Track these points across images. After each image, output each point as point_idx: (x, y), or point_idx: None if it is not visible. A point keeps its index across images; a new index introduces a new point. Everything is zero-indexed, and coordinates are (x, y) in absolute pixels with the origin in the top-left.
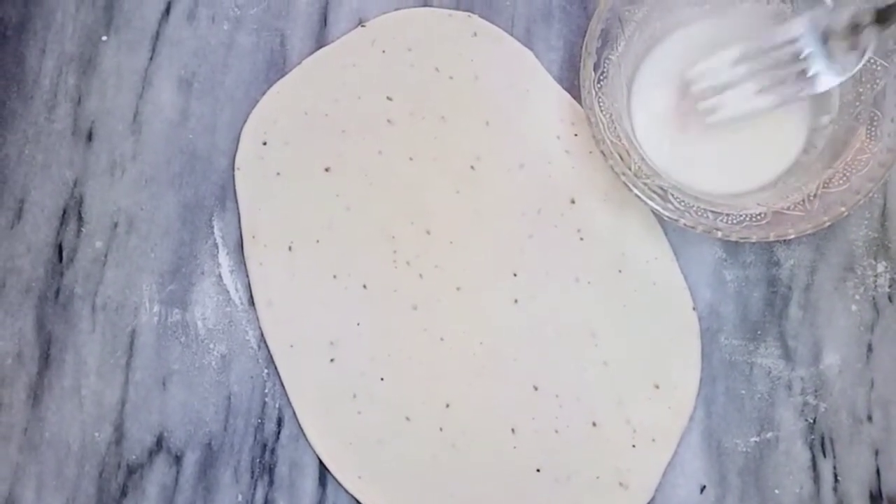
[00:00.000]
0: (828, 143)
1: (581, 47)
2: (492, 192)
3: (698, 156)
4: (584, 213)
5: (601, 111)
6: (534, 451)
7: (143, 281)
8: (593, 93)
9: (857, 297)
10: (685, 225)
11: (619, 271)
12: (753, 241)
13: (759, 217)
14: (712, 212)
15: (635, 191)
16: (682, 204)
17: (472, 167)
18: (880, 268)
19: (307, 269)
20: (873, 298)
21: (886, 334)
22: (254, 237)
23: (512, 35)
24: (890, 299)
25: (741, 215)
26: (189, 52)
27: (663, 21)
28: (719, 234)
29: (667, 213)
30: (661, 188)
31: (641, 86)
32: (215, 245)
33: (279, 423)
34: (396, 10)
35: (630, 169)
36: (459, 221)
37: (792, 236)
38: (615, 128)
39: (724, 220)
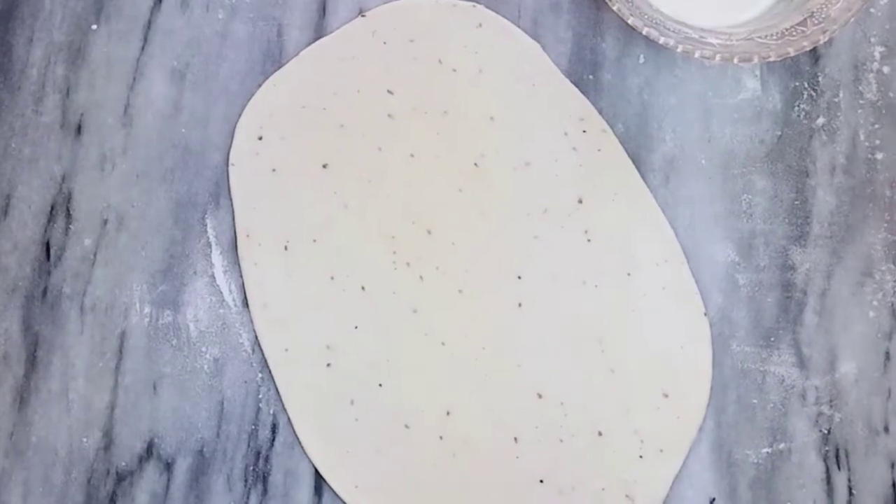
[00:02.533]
0: None
1: (591, 39)
2: (496, 190)
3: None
4: (592, 214)
5: None
6: (537, 461)
7: (133, 281)
8: None
9: (875, 303)
10: (722, 59)
11: (628, 274)
12: (792, 54)
13: (795, 28)
14: (745, 39)
15: (664, 39)
16: (720, 38)
17: (475, 164)
18: None
19: (303, 270)
20: (892, 305)
21: None
22: (248, 236)
23: (519, 26)
24: None
25: (778, 31)
26: (182, 41)
27: None
28: (756, 58)
29: (702, 52)
30: (692, 37)
31: None
32: (208, 244)
33: (273, 429)
34: None
35: (657, 23)
36: (462, 221)
37: (835, 32)
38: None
39: (762, 36)
